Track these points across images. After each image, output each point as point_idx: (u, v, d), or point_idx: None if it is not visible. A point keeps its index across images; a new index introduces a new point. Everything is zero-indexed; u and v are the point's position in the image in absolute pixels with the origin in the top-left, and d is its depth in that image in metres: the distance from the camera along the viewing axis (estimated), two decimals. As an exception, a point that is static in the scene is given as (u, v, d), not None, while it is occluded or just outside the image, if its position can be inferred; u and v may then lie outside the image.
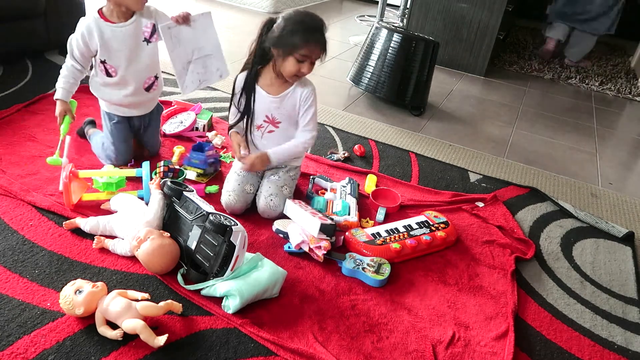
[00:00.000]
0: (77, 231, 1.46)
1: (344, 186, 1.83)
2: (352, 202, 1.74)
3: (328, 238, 1.49)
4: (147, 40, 1.67)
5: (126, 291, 1.23)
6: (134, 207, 1.49)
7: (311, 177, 1.87)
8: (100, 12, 1.63)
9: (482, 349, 1.27)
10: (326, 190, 1.83)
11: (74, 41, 1.64)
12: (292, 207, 1.60)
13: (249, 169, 1.64)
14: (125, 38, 1.63)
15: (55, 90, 1.67)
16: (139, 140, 1.87)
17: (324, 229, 1.50)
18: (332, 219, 1.60)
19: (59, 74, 1.67)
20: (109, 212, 1.54)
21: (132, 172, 1.64)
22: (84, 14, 2.62)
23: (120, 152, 1.76)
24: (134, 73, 1.69)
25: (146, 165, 1.60)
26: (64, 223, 1.47)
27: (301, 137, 1.66)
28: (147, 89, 1.75)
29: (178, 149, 1.91)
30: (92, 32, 1.61)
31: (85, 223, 1.46)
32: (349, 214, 1.67)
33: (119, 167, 1.74)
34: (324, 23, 1.54)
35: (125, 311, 1.15)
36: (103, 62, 1.66)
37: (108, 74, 1.68)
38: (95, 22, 1.61)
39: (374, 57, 2.74)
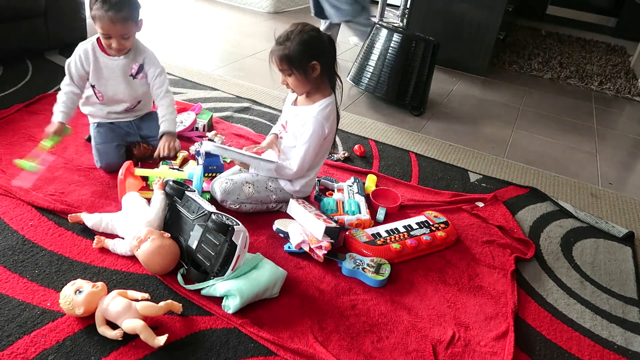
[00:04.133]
0: (78, 231, 1.46)
1: (350, 185, 1.83)
2: (361, 200, 1.75)
3: (332, 241, 1.49)
4: (133, 77, 1.80)
5: (126, 291, 1.23)
6: (136, 207, 1.49)
7: (317, 179, 1.86)
8: (99, 40, 1.73)
9: (482, 349, 1.27)
10: (333, 191, 1.83)
11: (72, 64, 1.74)
12: (296, 208, 1.60)
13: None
14: (115, 70, 1.76)
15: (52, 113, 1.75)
16: (146, 142, 1.88)
17: (328, 231, 1.50)
18: (335, 221, 1.60)
19: (55, 93, 1.81)
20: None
21: (184, 174, 1.66)
22: (84, 14, 2.62)
23: (100, 153, 1.75)
24: (120, 100, 1.82)
25: (199, 169, 1.65)
26: (69, 216, 1.48)
27: (286, 164, 1.61)
28: (128, 111, 1.88)
29: (182, 153, 1.91)
30: (89, 57, 1.72)
31: (89, 219, 1.46)
32: (360, 212, 1.68)
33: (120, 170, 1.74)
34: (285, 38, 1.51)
35: (125, 311, 1.15)
36: (93, 87, 1.78)
37: (96, 97, 1.80)
38: (92, 49, 1.73)
39: (374, 57, 2.74)
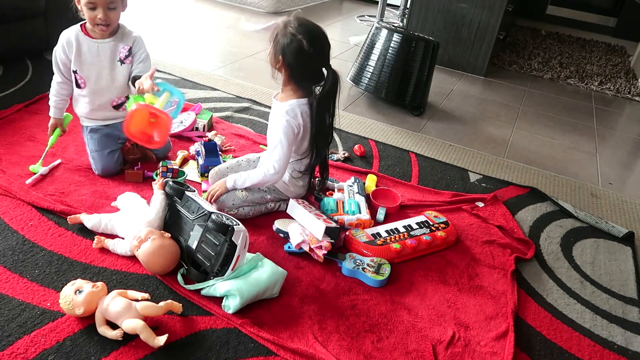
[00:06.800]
0: (78, 231, 1.46)
1: (350, 185, 1.83)
2: (361, 200, 1.75)
3: (332, 241, 1.49)
4: (122, 61, 1.70)
5: (126, 291, 1.23)
6: (136, 207, 1.49)
7: (317, 179, 1.86)
8: (82, 26, 1.68)
9: (482, 349, 1.27)
10: (333, 191, 1.83)
11: (57, 53, 1.70)
12: (296, 208, 1.59)
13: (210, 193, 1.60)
14: (100, 54, 1.68)
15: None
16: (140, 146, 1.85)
17: (328, 231, 1.50)
18: (335, 221, 1.60)
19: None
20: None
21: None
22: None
23: (96, 161, 1.73)
24: (103, 89, 1.72)
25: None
26: (68, 217, 1.48)
27: (262, 167, 1.58)
28: (116, 107, 1.77)
29: (182, 153, 1.91)
30: (72, 43, 1.66)
31: (88, 219, 1.47)
32: (360, 212, 1.68)
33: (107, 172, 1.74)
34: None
35: (125, 311, 1.15)
36: (75, 72, 1.71)
37: (78, 85, 1.73)
38: (76, 35, 1.67)
39: (374, 57, 2.74)
